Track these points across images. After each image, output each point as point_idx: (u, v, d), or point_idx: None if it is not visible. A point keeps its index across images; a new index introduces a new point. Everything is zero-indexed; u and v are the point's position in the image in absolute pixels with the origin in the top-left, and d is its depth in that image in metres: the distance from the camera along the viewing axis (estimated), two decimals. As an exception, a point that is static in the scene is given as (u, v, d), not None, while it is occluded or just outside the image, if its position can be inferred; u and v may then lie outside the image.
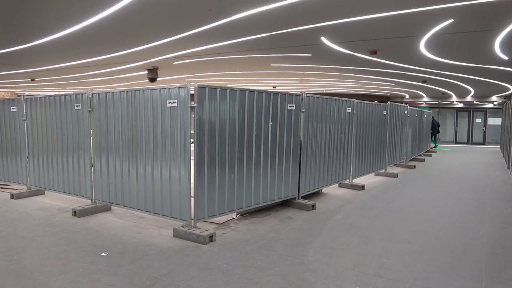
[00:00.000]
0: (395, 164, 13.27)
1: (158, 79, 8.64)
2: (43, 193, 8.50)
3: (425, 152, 18.64)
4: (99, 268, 4.43)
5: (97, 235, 5.67)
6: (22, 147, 8.48)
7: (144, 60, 7.16)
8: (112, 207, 7.06)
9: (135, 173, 6.25)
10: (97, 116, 6.82)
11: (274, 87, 19.10)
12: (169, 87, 5.69)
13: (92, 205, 6.94)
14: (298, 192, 7.46)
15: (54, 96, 7.65)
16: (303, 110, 7.37)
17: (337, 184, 9.35)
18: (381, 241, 5.54)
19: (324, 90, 23.26)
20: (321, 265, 4.61)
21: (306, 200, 7.43)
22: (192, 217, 5.55)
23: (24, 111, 8.31)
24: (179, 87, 5.58)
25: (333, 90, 23.41)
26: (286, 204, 7.43)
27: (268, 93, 6.60)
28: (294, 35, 6.83)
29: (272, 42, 7.19)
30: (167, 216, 5.85)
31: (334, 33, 6.94)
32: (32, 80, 10.65)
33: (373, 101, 11.19)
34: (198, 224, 5.61)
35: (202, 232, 5.34)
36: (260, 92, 6.46)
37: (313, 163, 7.84)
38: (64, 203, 7.64)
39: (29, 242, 5.38)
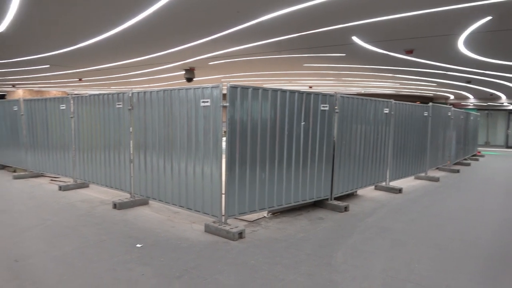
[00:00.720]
0: (437, 168, 12.74)
1: (194, 79, 8.90)
2: (88, 186, 9.02)
3: (471, 156, 17.71)
4: (133, 258, 4.66)
5: (133, 227, 5.95)
6: (69, 142, 9.05)
7: (181, 61, 7.41)
8: (149, 201, 7.37)
9: (170, 169, 6.49)
10: (136, 114, 7.15)
11: (310, 87, 18.96)
12: (202, 87, 5.86)
13: (131, 199, 7.28)
14: (331, 193, 7.40)
15: (98, 95, 8.10)
16: (337, 110, 7.29)
17: (373, 187, 9.15)
18: (414, 246, 5.39)
19: (362, 90, 22.76)
20: (348, 266, 4.57)
21: (339, 202, 7.35)
22: (223, 213, 5.69)
23: (72, 108, 8.86)
24: (212, 87, 5.73)
25: (371, 91, 22.85)
26: (318, 205, 7.39)
27: (300, 93, 6.61)
28: (324, 35, 6.77)
29: (303, 42, 7.18)
30: (199, 211, 6.03)
31: (366, 33, 6.81)
32: (80, 80, 11.33)
33: (415, 102, 10.82)
34: (228, 221, 5.73)
35: (232, 228, 5.46)
36: (292, 92, 6.48)
37: (347, 164, 7.73)
38: (106, 196, 8.07)
39: (71, 231, 5.75)
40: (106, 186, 8.07)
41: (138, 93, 7.10)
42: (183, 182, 6.27)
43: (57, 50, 6.33)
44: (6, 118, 11.13)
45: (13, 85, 14.78)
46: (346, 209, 7.18)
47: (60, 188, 8.73)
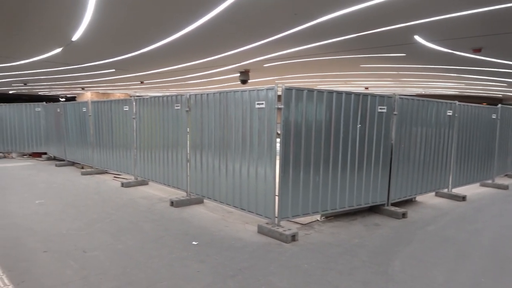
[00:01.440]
0: (506, 175, 11.76)
1: (249, 81, 9.03)
2: (147, 184, 9.49)
3: (547, 162, 16.11)
4: (189, 255, 4.83)
5: (190, 225, 6.15)
6: (131, 142, 9.58)
7: (237, 63, 7.54)
8: (204, 200, 7.59)
9: (224, 170, 6.64)
10: (193, 116, 7.39)
11: (367, 88, 18.38)
12: (257, 89, 5.92)
13: (187, 197, 7.55)
14: (388, 199, 7.12)
15: (158, 96, 8.49)
16: (395, 112, 7.01)
17: (434, 193, 8.66)
18: (479, 259, 5.02)
19: (422, 91, 21.63)
20: (406, 276, 4.37)
21: (396, 208, 7.05)
22: (276, 215, 5.70)
23: (134, 110, 9.38)
24: (267, 89, 5.77)
25: (433, 91, 21.62)
26: (373, 210, 7.15)
27: (357, 94, 6.44)
28: (384, 35, 6.52)
29: (361, 42, 6.96)
30: (253, 212, 6.09)
31: (429, 31, 6.45)
32: (142, 82, 11.97)
33: (481, 103, 10.08)
34: (281, 223, 5.74)
35: (285, 231, 5.45)
36: (348, 93, 6.33)
37: (405, 169, 7.40)
38: (163, 193, 8.44)
39: (133, 225, 6.08)
40: (164, 184, 8.43)
41: (195, 95, 7.34)
42: (237, 182, 6.37)
43: (122, 55, 6.73)
44: (76, 119, 12.05)
45: (82, 88, 15.97)
46: (404, 215, 6.87)
47: (123, 185, 9.27)
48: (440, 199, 8.52)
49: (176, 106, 7.84)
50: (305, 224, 6.29)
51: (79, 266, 4.46)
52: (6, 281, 4.05)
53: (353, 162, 6.49)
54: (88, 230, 5.82)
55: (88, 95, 18.57)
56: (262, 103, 5.81)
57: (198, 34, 5.06)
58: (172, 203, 7.37)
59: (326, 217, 6.67)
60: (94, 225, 6.08)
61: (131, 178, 9.71)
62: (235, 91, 6.37)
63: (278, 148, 5.69)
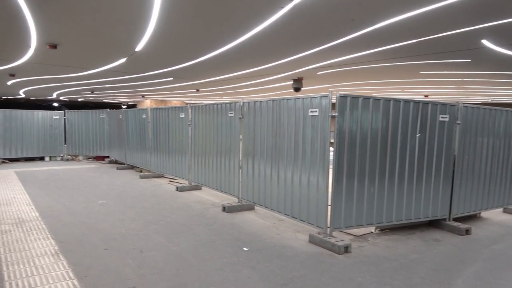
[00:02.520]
0: None
1: (302, 88, 8.98)
2: (200, 188, 9.75)
3: None
4: (240, 261, 4.86)
5: (241, 230, 6.21)
6: (186, 147, 9.92)
7: (290, 71, 7.55)
8: (255, 207, 7.63)
9: (276, 177, 6.63)
10: (246, 123, 7.49)
11: (426, 96, 17.48)
12: (311, 96, 5.87)
13: (239, 203, 7.63)
14: (449, 213, 6.69)
15: (213, 104, 8.72)
16: (458, 121, 6.59)
17: (501, 209, 7.99)
18: (557, 284, 4.52)
19: (489, 99, 20.15)
20: (471, 298, 4.05)
21: (458, 223, 6.59)
22: (328, 225, 5.58)
23: (190, 117, 9.71)
24: (320, 97, 5.71)
25: (501, 100, 20.04)
26: (433, 224, 6.74)
27: (416, 102, 6.15)
28: (448, 40, 6.15)
29: (422, 48, 6.62)
30: (304, 221, 6.01)
31: (500, 35, 5.98)
32: (197, 90, 12.39)
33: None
34: (334, 233, 5.60)
35: (338, 241, 5.31)
36: (407, 101, 6.07)
37: (469, 182, 6.91)
38: (216, 198, 8.61)
39: (187, 229, 6.26)
40: (217, 189, 8.60)
41: (248, 102, 7.44)
42: (288, 190, 6.34)
43: (180, 64, 7.01)
44: (136, 125, 12.75)
45: (143, 96, 16.86)
46: (467, 232, 6.39)
47: (177, 189, 9.61)
48: (508, 216, 7.84)
49: (230, 113, 8.00)
50: (358, 236, 6.08)
51: (137, 265, 4.66)
52: (71, 274, 4.34)
53: (411, 173, 6.18)
54: (145, 231, 6.08)
55: (147, 103, 19.56)
56: (316, 111, 5.75)
57: (254, 43, 5.14)
58: (224, 209, 7.50)
59: (381, 230, 6.40)
60: (150, 227, 6.34)
61: (185, 183, 10.04)
62: (288, 99, 6.37)
63: (331, 157, 5.58)
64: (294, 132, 6.22)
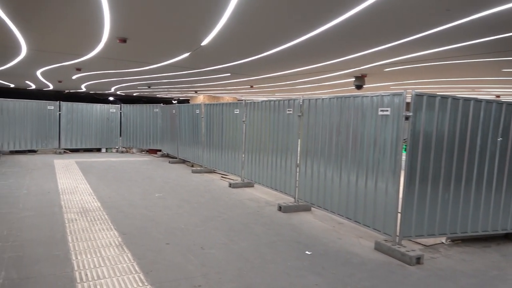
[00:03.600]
0: None
1: (364, 86, 8.58)
2: (253, 186, 9.64)
3: None
4: (304, 265, 4.65)
5: (300, 232, 5.99)
6: (240, 144, 9.84)
7: (355, 68, 7.20)
8: (312, 208, 7.38)
9: (338, 179, 6.33)
10: (306, 121, 7.24)
11: (498, 96, 16.10)
12: (382, 94, 5.51)
13: (295, 203, 7.42)
14: (530, 226, 6.04)
15: (269, 101, 8.55)
16: (546, 125, 5.92)
17: None
18: None
19: None
20: None
21: (540, 238, 5.94)
22: (397, 233, 5.21)
23: (244, 113, 9.62)
24: (393, 95, 5.33)
25: None
26: (510, 238, 6.13)
27: (499, 103, 5.59)
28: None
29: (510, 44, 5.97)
30: (369, 227, 5.67)
31: None
32: (251, 87, 12.30)
33: None
34: (402, 242, 5.22)
35: (409, 251, 4.93)
36: (489, 101, 5.54)
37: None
38: (269, 197, 8.45)
39: (244, 227, 6.15)
40: (271, 188, 8.43)
41: (309, 99, 7.18)
42: (352, 193, 6.02)
43: (241, 60, 6.90)
44: (189, 120, 12.91)
45: (196, 91, 17.08)
46: (553, 249, 5.74)
47: (230, 185, 9.56)
48: None
49: (288, 110, 7.78)
50: (428, 246, 5.64)
51: (199, 262, 4.59)
52: (137, 268, 4.35)
53: (490, 180, 5.64)
54: (203, 227, 6.04)
55: (200, 98, 19.87)
56: (387, 110, 5.38)
57: (327, 37, 4.88)
58: (279, 208, 7.32)
59: (452, 241, 5.91)
60: (208, 223, 6.30)
61: (237, 179, 9.97)
62: (354, 96, 6.04)
63: (403, 160, 5.20)
64: (361, 131, 5.88)
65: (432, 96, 5.17)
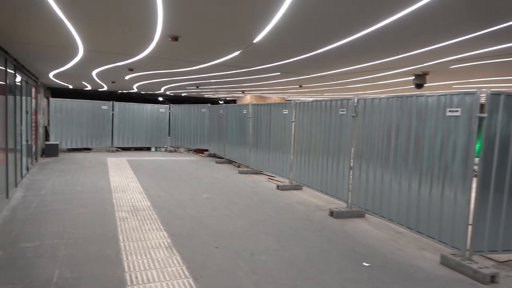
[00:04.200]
0: None
1: (425, 85, 7.94)
2: (301, 188, 9.32)
3: None
4: (362, 278, 4.29)
5: (355, 241, 5.61)
6: (288, 145, 9.56)
7: (417, 65, 6.65)
8: (366, 214, 6.94)
9: (397, 185, 5.87)
10: (361, 122, 6.82)
11: None
12: (451, 93, 4.99)
13: (348, 209, 7.01)
14: None
15: (321, 101, 8.19)
16: None
17: None
18: None
19: None
20: None
21: None
22: (467, 247, 4.68)
23: (294, 113, 9.33)
24: (464, 94, 4.81)
25: None
26: None
27: None
28: None
29: None
30: (434, 238, 5.17)
31: None
32: (300, 86, 11.97)
33: None
34: (473, 257, 4.69)
35: (481, 268, 4.40)
36: None
37: None
38: (319, 201, 8.10)
39: (295, 232, 5.87)
40: (321, 191, 8.07)
41: (364, 99, 6.76)
42: (413, 201, 5.54)
43: (296, 57, 6.61)
44: (236, 120, 12.83)
45: (243, 91, 17.03)
46: None
47: (278, 188, 9.31)
48: None
49: (341, 111, 7.39)
50: (501, 262, 5.04)
51: (249, 269, 4.38)
52: (186, 273, 4.22)
53: None
54: (252, 231, 5.84)
55: (248, 98, 19.82)
56: (457, 111, 4.86)
57: (392, 30, 4.47)
58: (331, 213, 6.95)
59: (530, 258, 5.24)
60: (257, 226, 6.09)
61: (285, 181, 9.70)
62: (417, 96, 5.56)
63: (475, 167, 4.67)
64: (424, 134, 5.39)
65: (510, 96, 4.59)
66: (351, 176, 7.06)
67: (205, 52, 6.26)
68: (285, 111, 9.75)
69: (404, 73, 7.81)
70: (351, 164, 7.07)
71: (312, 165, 8.45)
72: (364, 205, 6.66)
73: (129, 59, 7.39)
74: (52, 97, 16.18)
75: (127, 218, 6.21)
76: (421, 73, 7.65)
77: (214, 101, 23.05)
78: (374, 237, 5.86)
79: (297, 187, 9.35)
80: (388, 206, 6.05)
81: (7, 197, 6.93)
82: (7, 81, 7.00)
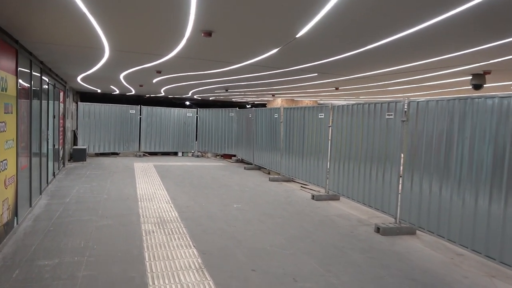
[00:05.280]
0: None
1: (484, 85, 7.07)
2: (338, 199, 8.59)
3: None
4: (431, 317, 3.56)
5: (411, 264, 4.86)
6: (325, 152, 8.86)
7: (476, 63, 5.86)
8: (417, 231, 6.16)
9: (460, 200, 5.08)
10: (412, 127, 6.07)
11: None
12: (533, 93, 4.20)
13: (397, 225, 6.25)
14: None
15: (363, 104, 7.48)
16: None
17: None
18: None
19: None
20: None
21: None
22: (559, 280, 3.87)
23: (330, 118, 8.63)
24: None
25: None
26: None
27: None
28: None
29: None
30: (510, 266, 4.37)
31: None
32: (336, 89, 11.25)
33: None
34: None
35: None
36: None
37: None
38: (361, 214, 7.36)
39: (339, 253, 5.18)
40: (363, 203, 7.33)
41: (417, 102, 6.01)
42: (481, 220, 4.75)
43: (336, 56, 5.96)
44: (267, 125, 12.21)
45: (273, 95, 16.45)
46: None
47: (313, 197, 8.62)
48: None
49: (388, 115, 6.65)
50: None
51: (294, 300, 3.74)
52: (221, 302, 3.63)
53: None
54: (291, 250, 5.19)
55: (278, 102, 19.21)
56: (543, 114, 4.07)
57: (446, 25, 3.80)
58: (377, 229, 6.21)
59: None
60: (296, 244, 5.44)
61: (320, 191, 9.01)
62: (486, 97, 4.78)
63: None
64: (489, 141, 4.61)
65: None
66: (400, 188, 6.31)
67: (240, 49, 5.71)
68: (321, 115, 9.08)
69: (460, 72, 6.98)
70: (401, 174, 6.32)
71: (352, 173, 7.72)
72: (417, 221, 5.89)
73: (157, 59, 6.95)
74: (81, 102, 16.12)
75: (153, 232, 5.70)
76: (481, 72, 6.79)
77: (241, 105, 22.56)
78: (432, 260, 5.09)
79: (334, 197, 8.62)
80: (448, 225, 5.27)
81: (30, 205, 6.59)
82: (32, 84, 6.68)
